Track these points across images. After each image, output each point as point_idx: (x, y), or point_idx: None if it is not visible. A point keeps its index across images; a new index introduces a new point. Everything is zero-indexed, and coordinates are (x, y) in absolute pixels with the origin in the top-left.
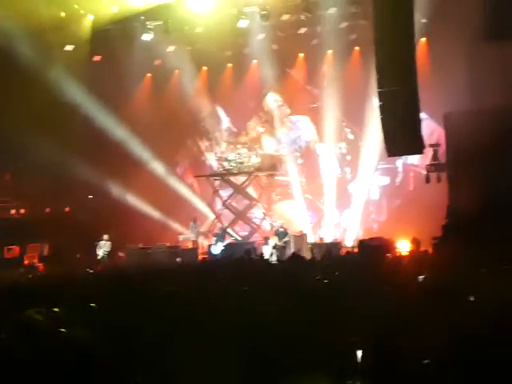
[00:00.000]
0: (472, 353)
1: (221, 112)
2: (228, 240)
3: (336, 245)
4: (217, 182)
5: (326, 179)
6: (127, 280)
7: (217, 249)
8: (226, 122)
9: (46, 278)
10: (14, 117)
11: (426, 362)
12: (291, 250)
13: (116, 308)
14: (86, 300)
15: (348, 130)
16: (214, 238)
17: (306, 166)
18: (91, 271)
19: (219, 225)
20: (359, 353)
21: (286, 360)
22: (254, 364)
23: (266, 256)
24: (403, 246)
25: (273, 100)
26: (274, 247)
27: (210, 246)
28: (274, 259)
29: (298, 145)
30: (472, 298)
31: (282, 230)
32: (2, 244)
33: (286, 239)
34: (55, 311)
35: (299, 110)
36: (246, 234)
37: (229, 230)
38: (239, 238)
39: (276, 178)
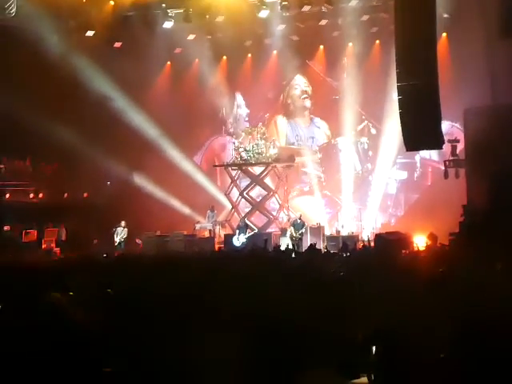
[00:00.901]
0: (486, 347)
1: (240, 101)
2: (250, 232)
3: (352, 238)
4: (234, 172)
5: (344, 174)
6: (143, 268)
7: (239, 241)
8: (244, 111)
9: (65, 262)
10: (34, 102)
11: (441, 355)
12: (308, 241)
13: (130, 294)
14: (102, 285)
15: (370, 125)
16: (237, 230)
17: (325, 161)
18: (105, 256)
19: (237, 215)
20: (372, 346)
21: (298, 352)
22: (266, 355)
23: (283, 247)
24: (420, 241)
25: (302, 82)
26: (290, 238)
27: (231, 237)
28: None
29: (315, 140)
30: (487, 294)
31: (299, 221)
32: (20, 228)
33: (303, 231)
34: (70, 295)
35: (319, 102)
36: (263, 224)
37: (246, 221)
38: (256, 229)
39: (293, 170)
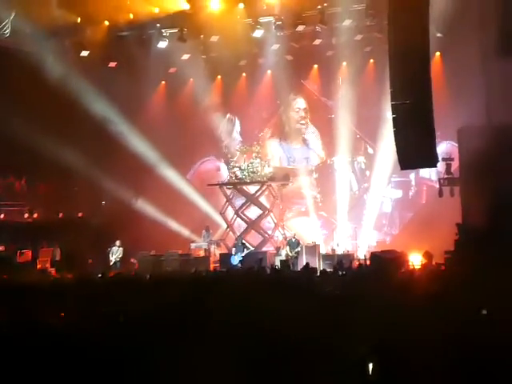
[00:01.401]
0: (484, 366)
1: (234, 121)
2: (247, 251)
3: (348, 257)
4: (229, 191)
5: (340, 193)
6: (140, 287)
7: (236, 259)
8: (239, 131)
9: (61, 282)
10: (29, 121)
11: (439, 372)
12: (304, 260)
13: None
14: (96, 304)
15: (367, 145)
16: (234, 249)
17: (321, 181)
18: (100, 276)
19: (232, 234)
20: (368, 363)
21: (293, 371)
22: (261, 374)
23: (279, 266)
24: (415, 260)
25: (303, 107)
26: (285, 257)
27: (227, 256)
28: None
29: (309, 161)
30: (485, 312)
31: (294, 240)
32: (14, 247)
33: (298, 249)
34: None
35: (314, 122)
36: (258, 243)
37: (242, 239)
38: (251, 248)
39: (288, 190)
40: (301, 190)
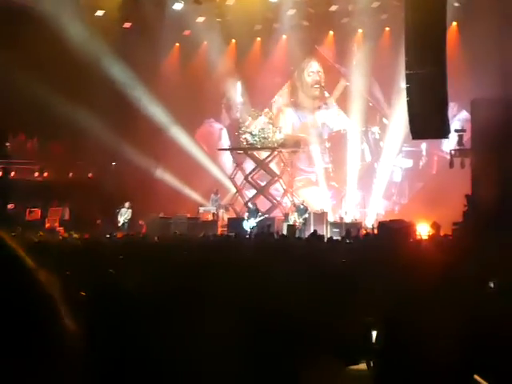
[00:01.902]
0: (489, 338)
1: (247, 85)
2: (260, 217)
3: (356, 225)
4: (239, 156)
5: (352, 164)
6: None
7: (249, 224)
8: (251, 95)
9: (66, 242)
10: (42, 80)
11: (442, 346)
12: (311, 227)
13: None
14: (103, 265)
15: (382, 116)
16: (247, 214)
17: (333, 151)
18: (108, 236)
19: (241, 199)
20: (373, 333)
21: (297, 338)
22: (265, 341)
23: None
24: (423, 230)
25: (317, 71)
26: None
27: (236, 220)
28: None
29: (326, 128)
30: (492, 285)
31: (302, 206)
32: (24, 206)
33: (306, 216)
34: (67, 274)
35: (328, 89)
36: (267, 209)
37: (249, 205)
38: (265, 213)
39: (300, 159)
40: (312, 159)
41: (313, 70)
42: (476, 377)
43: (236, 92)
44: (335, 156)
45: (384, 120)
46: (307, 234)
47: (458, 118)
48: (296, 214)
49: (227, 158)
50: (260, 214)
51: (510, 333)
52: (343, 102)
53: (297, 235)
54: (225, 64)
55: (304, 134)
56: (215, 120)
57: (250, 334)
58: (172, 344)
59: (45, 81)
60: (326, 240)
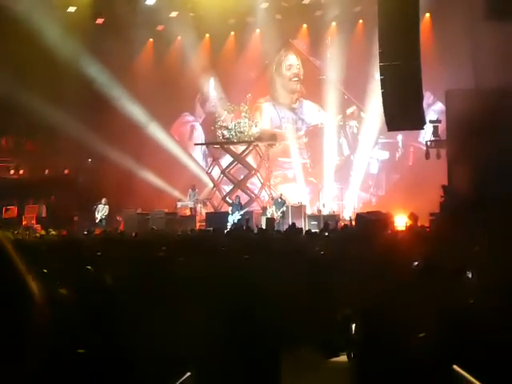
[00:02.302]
0: (468, 328)
1: (222, 79)
2: (243, 210)
3: (334, 217)
4: (216, 151)
5: (329, 158)
6: (125, 245)
7: (234, 218)
8: (226, 90)
9: (44, 239)
10: (15, 78)
11: (420, 335)
12: (289, 220)
13: (110, 272)
14: (81, 262)
15: (360, 110)
16: (230, 208)
17: (311, 146)
18: (85, 233)
19: (219, 194)
20: (352, 325)
21: (278, 331)
22: (246, 334)
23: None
24: (401, 221)
25: (295, 64)
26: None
27: (225, 215)
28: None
29: (305, 123)
30: (470, 275)
31: (280, 200)
32: (0, 204)
33: (284, 209)
34: (44, 272)
35: (304, 83)
36: (244, 203)
37: (227, 199)
38: (248, 207)
39: (276, 155)
40: (289, 155)
41: (291, 63)
42: (455, 367)
43: (210, 86)
44: (313, 151)
45: (362, 114)
46: (285, 227)
47: (433, 108)
48: (274, 207)
49: (199, 153)
50: (242, 208)
51: (487, 322)
52: (319, 96)
53: (275, 228)
54: (199, 59)
55: (282, 128)
56: (190, 114)
57: (229, 324)
58: (150, 335)
59: (19, 78)
60: (304, 233)
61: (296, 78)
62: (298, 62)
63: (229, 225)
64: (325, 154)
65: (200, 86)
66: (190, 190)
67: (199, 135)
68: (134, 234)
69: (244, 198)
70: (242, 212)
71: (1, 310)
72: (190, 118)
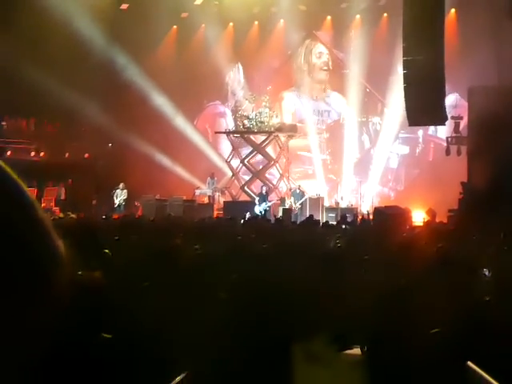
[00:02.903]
0: (483, 325)
1: (245, 69)
2: (271, 202)
3: (351, 210)
4: (236, 140)
5: (349, 154)
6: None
7: (260, 208)
8: (249, 80)
9: (62, 221)
10: (40, 61)
11: (434, 330)
12: (307, 212)
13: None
14: (98, 246)
15: (384, 106)
16: (257, 198)
17: (332, 142)
18: (104, 217)
19: (237, 183)
20: (366, 318)
21: (291, 322)
22: (259, 323)
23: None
24: (419, 217)
25: (325, 53)
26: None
27: (252, 204)
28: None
29: (331, 114)
30: (486, 272)
31: (298, 191)
32: None
33: (302, 201)
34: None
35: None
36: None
37: (245, 189)
38: (255, 197)
39: (296, 150)
40: (309, 150)
41: (321, 50)
42: (469, 363)
43: (239, 75)
44: (333, 147)
45: (386, 110)
46: (303, 219)
47: (456, 105)
48: (292, 198)
49: (227, 143)
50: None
51: (503, 319)
52: (342, 90)
53: (293, 219)
54: (223, 47)
55: (305, 121)
56: (221, 103)
57: (242, 313)
58: (163, 322)
59: (41, 62)
60: (321, 225)
61: (326, 67)
62: (327, 50)
63: (257, 214)
64: (345, 150)
65: (225, 75)
66: (209, 178)
67: (230, 123)
68: (151, 219)
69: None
70: (269, 203)
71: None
72: (221, 105)
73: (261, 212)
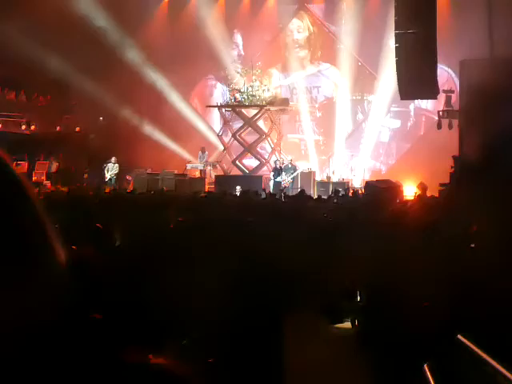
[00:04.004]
0: (473, 298)
1: (237, 41)
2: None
3: (343, 185)
4: (227, 114)
5: (341, 128)
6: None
7: (285, 180)
8: (240, 52)
9: (53, 195)
10: (29, 32)
11: (425, 305)
12: (298, 185)
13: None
14: (93, 220)
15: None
16: (272, 173)
17: (324, 121)
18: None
19: (229, 157)
20: (357, 291)
21: (284, 295)
22: (252, 295)
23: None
24: (410, 191)
25: (296, 29)
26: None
27: (222, 178)
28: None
29: (321, 91)
30: (473, 245)
31: (290, 165)
32: (10, 159)
33: (294, 175)
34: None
35: (322, 48)
36: (254, 167)
37: (237, 163)
38: (247, 171)
39: (289, 137)
40: (300, 132)
41: (291, 28)
42: (459, 336)
43: (228, 47)
44: (326, 127)
45: (377, 84)
46: (294, 193)
47: (447, 78)
48: (284, 173)
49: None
50: (293, 170)
51: (492, 293)
52: (335, 65)
53: (285, 193)
54: (215, 18)
55: (292, 100)
56: (214, 77)
57: (235, 285)
58: (156, 295)
59: (31, 34)
60: (313, 199)
61: (297, 45)
62: (301, 23)
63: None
64: (337, 127)
65: (215, 47)
66: (200, 152)
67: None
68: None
69: (253, 163)
70: (293, 175)
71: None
72: (214, 80)
73: (283, 186)
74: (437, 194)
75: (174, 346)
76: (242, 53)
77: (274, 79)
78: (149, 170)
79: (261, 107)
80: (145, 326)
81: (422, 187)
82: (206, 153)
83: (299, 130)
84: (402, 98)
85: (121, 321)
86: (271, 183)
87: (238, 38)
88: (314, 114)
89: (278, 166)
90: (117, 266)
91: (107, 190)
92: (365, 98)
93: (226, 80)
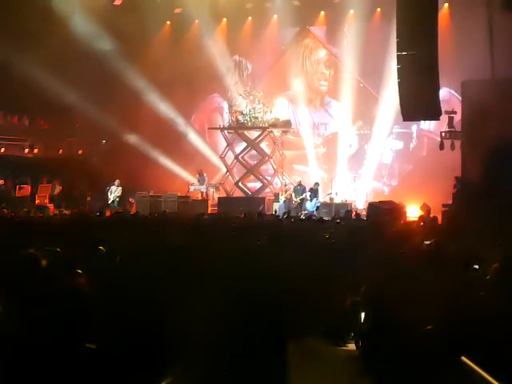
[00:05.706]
0: (476, 320)
1: (239, 64)
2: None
3: (346, 206)
4: (230, 136)
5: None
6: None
7: (313, 204)
8: (243, 75)
9: (56, 218)
10: (33, 57)
11: (428, 327)
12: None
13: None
14: (93, 242)
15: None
16: (309, 193)
17: (329, 157)
18: (98, 214)
19: (231, 179)
20: (362, 314)
21: (286, 319)
22: (254, 320)
23: (277, 212)
24: (413, 211)
25: (324, 61)
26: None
27: (225, 199)
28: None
29: (328, 128)
30: (476, 266)
31: (299, 187)
32: (14, 182)
33: (303, 196)
34: (57, 251)
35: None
36: (257, 189)
37: (240, 185)
38: (249, 193)
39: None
40: (305, 163)
41: (319, 57)
42: (463, 358)
43: (230, 70)
44: (331, 162)
45: (380, 105)
46: (301, 214)
47: (449, 99)
48: (294, 193)
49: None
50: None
51: (495, 314)
52: (338, 92)
53: (292, 214)
54: (217, 42)
55: (299, 134)
56: (215, 99)
57: (237, 309)
58: (158, 317)
59: (35, 58)
60: (316, 220)
61: (325, 82)
62: (328, 57)
63: (309, 209)
64: (340, 161)
65: (217, 71)
66: (198, 175)
67: (225, 119)
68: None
69: (256, 185)
70: (319, 199)
71: None
72: (219, 98)
73: (313, 208)
74: (440, 215)
75: (174, 372)
76: (244, 75)
77: (282, 107)
78: (151, 193)
79: (263, 129)
80: (145, 352)
81: (425, 208)
82: (205, 175)
83: (305, 162)
84: (404, 120)
85: (119, 348)
86: (307, 204)
87: (241, 62)
88: (318, 150)
89: (314, 188)
90: (114, 294)
91: (109, 213)
92: (367, 131)
93: (229, 100)
